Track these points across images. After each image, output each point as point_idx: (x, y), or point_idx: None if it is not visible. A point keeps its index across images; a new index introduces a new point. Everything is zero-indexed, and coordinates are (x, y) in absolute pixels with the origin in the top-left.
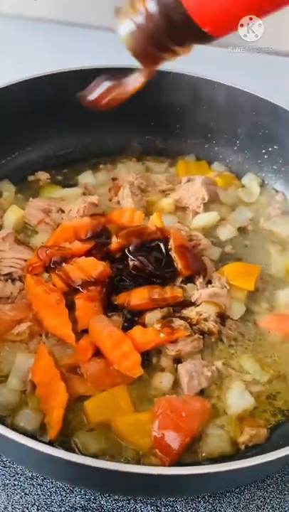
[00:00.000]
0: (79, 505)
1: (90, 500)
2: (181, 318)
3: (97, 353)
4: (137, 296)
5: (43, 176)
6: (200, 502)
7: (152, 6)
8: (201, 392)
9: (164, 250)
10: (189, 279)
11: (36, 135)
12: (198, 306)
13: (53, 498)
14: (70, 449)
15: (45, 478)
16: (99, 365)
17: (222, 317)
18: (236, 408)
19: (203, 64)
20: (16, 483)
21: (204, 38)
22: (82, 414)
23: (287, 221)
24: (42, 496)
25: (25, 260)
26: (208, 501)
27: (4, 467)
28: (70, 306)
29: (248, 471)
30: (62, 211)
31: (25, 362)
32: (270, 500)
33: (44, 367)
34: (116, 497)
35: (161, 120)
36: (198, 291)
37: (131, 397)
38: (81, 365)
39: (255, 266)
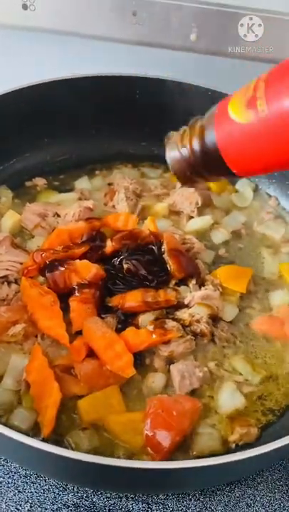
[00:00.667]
0: (71, 502)
1: (82, 498)
2: (174, 319)
3: (91, 353)
4: (131, 299)
5: (40, 181)
6: (190, 500)
7: (196, 145)
8: (193, 392)
9: (157, 253)
10: (183, 282)
11: (34, 142)
12: (191, 307)
13: (46, 495)
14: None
15: (38, 476)
16: (92, 366)
17: (214, 319)
18: (227, 408)
19: (199, 72)
20: (9, 480)
21: (232, 175)
22: (75, 414)
23: (279, 225)
24: (35, 494)
25: (21, 263)
26: (198, 499)
27: None
28: (65, 308)
29: (236, 466)
30: (58, 215)
31: (20, 362)
32: (260, 498)
33: (38, 367)
34: (108, 494)
35: (156, 127)
36: (191, 294)
37: (123, 396)
38: (75, 366)
39: (247, 268)
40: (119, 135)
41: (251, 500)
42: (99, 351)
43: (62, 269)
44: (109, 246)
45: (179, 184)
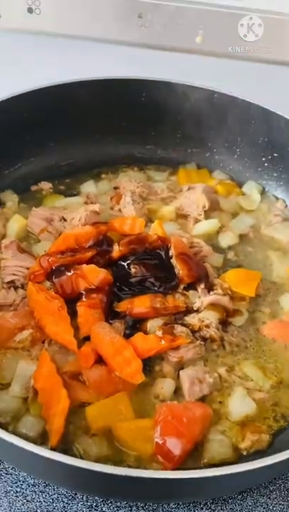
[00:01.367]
0: (81, 511)
1: (92, 507)
2: (183, 324)
3: (99, 360)
4: (139, 305)
5: (45, 185)
6: (202, 509)
7: None
8: (203, 398)
9: (164, 258)
10: (191, 286)
11: (39, 146)
12: (200, 312)
13: (55, 504)
14: (71, 455)
15: (47, 485)
16: (100, 372)
17: (224, 324)
18: (238, 414)
19: (202, 74)
20: (18, 490)
21: None
22: (83, 421)
23: (287, 227)
24: (44, 503)
25: (28, 268)
26: (210, 508)
27: (6, 474)
28: (72, 314)
29: (248, 476)
30: (65, 220)
31: (28, 369)
32: (273, 506)
33: (46, 373)
34: (118, 503)
35: (162, 130)
36: (200, 298)
37: (132, 403)
38: (83, 372)
39: (256, 272)
40: (125, 138)
41: (264, 508)
42: (107, 357)
43: (70, 274)
44: (117, 251)
45: (185, 187)
